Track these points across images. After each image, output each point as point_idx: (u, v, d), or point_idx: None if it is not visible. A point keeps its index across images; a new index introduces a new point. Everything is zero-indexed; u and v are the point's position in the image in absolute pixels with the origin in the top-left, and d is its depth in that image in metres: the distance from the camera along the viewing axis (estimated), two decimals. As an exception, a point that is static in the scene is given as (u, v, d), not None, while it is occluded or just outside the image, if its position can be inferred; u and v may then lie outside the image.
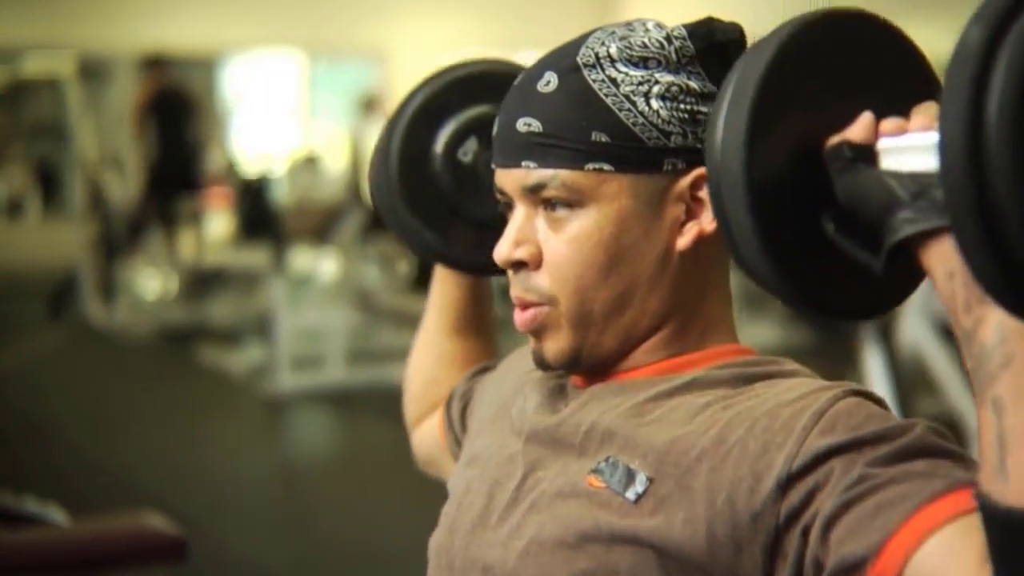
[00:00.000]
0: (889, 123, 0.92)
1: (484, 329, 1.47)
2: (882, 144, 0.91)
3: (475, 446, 1.22)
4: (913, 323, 4.73)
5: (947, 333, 4.63)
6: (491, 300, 1.48)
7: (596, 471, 1.06)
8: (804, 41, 0.94)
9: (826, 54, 0.95)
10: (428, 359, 1.48)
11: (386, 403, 6.50)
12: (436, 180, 1.34)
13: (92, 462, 5.37)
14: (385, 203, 1.36)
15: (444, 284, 1.45)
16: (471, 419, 1.31)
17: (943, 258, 0.85)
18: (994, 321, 0.82)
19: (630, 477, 1.03)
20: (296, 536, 4.47)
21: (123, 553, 2.40)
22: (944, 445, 0.95)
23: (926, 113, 0.90)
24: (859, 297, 0.98)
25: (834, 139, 0.93)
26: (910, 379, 4.49)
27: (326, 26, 11.76)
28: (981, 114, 0.73)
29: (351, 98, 11.29)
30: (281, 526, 4.69)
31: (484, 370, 1.38)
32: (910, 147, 0.88)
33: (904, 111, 0.92)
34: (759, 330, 6.92)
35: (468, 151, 1.33)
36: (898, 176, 0.88)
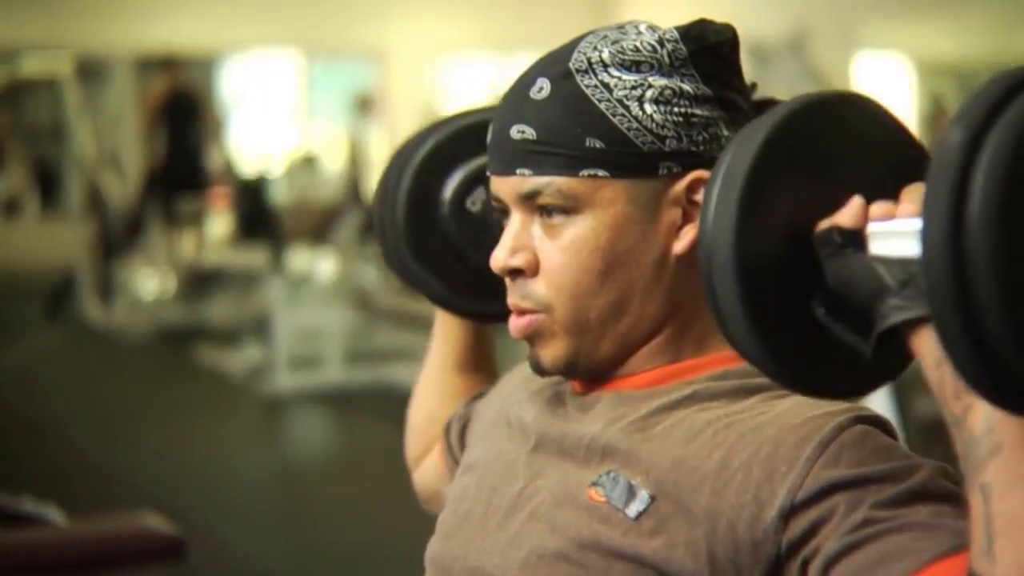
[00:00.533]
0: (878, 208, 0.92)
1: (486, 366, 1.47)
2: (871, 228, 0.92)
3: (471, 454, 1.22)
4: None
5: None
6: (492, 338, 1.48)
7: (597, 484, 1.05)
8: (795, 126, 0.94)
9: (817, 137, 0.96)
10: (429, 398, 1.47)
11: (385, 403, 6.52)
12: (443, 227, 1.34)
13: (90, 462, 5.36)
14: (390, 247, 1.36)
15: (446, 324, 1.44)
16: (469, 435, 1.31)
17: (931, 346, 0.85)
18: (982, 410, 0.83)
19: (631, 493, 1.03)
20: (294, 536, 4.47)
21: (121, 553, 2.39)
22: (949, 490, 0.95)
23: (914, 197, 0.90)
24: (849, 377, 0.98)
25: (824, 223, 0.93)
26: (908, 381, 4.49)
27: (324, 26, 11.76)
28: (961, 218, 0.75)
29: (348, 98, 11.30)
30: (279, 526, 4.68)
31: (482, 395, 1.37)
32: (899, 232, 0.90)
33: (894, 191, 0.92)
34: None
35: (476, 200, 1.32)
36: (887, 262, 0.89)
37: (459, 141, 1.35)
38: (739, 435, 1.02)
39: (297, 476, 5.46)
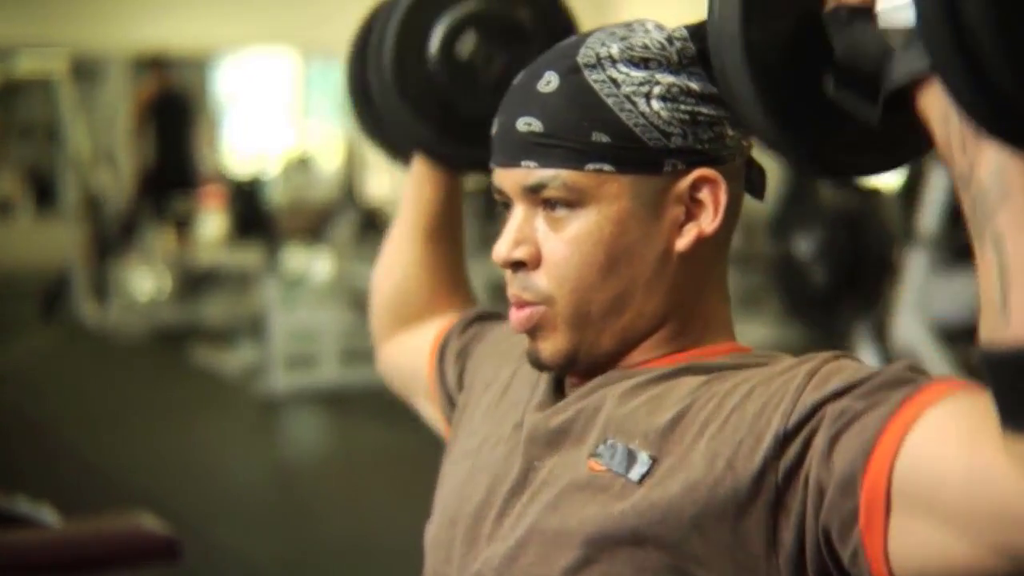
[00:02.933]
0: None
1: (455, 237, 1.47)
2: (880, 5, 0.93)
3: (474, 436, 1.21)
4: (907, 323, 4.73)
5: (942, 334, 4.63)
6: (462, 208, 1.48)
7: (596, 455, 1.06)
8: None
9: None
10: (398, 264, 1.47)
11: (380, 403, 6.50)
12: (430, 75, 1.34)
13: (85, 462, 5.35)
14: (375, 96, 1.36)
15: (421, 184, 1.44)
16: (468, 387, 1.30)
17: (937, 103, 0.86)
18: (990, 158, 0.82)
19: (632, 458, 1.03)
20: (290, 536, 4.46)
21: (115, 554, 2.39)
22: (923, 372, 0.97)
23: None
24: (866, 154, 1.00)
25: (832, 1, 0.95)
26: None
27: (320, 25, 11.74)
28: None
29: (342, 98, 11.28)
30: (274, 526, 4.68)
31: (477, 319, 1.37)
32: (906, 5, 0.90)
33: None
34: (754, 329, 6.92)
35: (465, 46, 1.32)
36: (892, 31, 0.90)
37: None
38: (733, 384, 1.03)
39: (292, 476, 5.46)
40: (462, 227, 1.48)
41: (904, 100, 0.89)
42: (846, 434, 0.93)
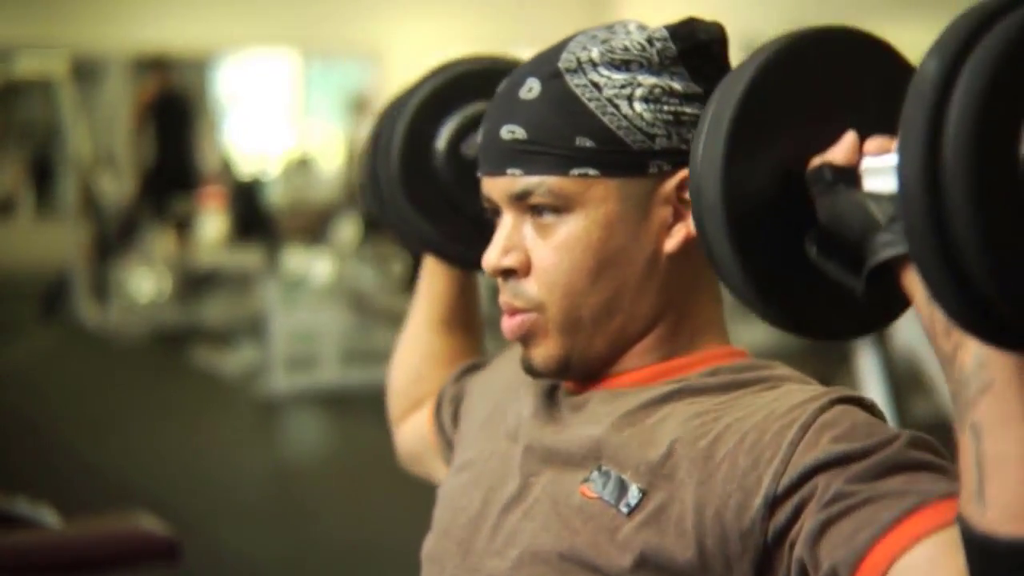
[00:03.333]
0: (873, 143, 0.91)
1: (471, 326, 1.47)
2: (866, 165, 0.91)
3: (468, 451, 1.21)
4: (907, 325, 4.73)
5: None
6: (478, 297, 1.48)
7: (589, 480, 1.05)
8: (785, 61, 0.93)
9: (809, 73, 0.94)
10: (413, 355, 1.47)
11: (380, 404, 6.48)
12: (437, 174, 1.34)
13: (85, 463, 5.35)
14: (383, 192, 1.36)
15: (433, 278, 1.44)
16: (463, 420, 1.31)
17: (921, 293, 0.84)
18: (972, 347, 0.82)
19: (623, 489, 1.03)
20: (290, 537, 4.46)
21: (116, 555, 2.39)
22: (925, 458, 0.95)
23: None
24: (845, 318, 0.98)
25: (816, 161, 0.92)
26: (904, 381, 4.49)
27: (320, 25, 11.75)
28: (937, 150, 0.73)
29: (344, 98, 11.28)
30: (274, 527, 4.68)
31: (472, 369, 1.37)
32: (892, 168, 0.87)
33: (891, 127, 0.90)
34: (751, 332, 6.90)
35: (471, 146, 1.32)
36: (877, 198, 0.88)
37: (456, 87, 1.35)
38: (726, 425, 1.02)
39: (292, 477, 5.46)
40: (478, 315, 1.48)
41: (888, 272, 0.87)
42: (837, 526, 0.92)
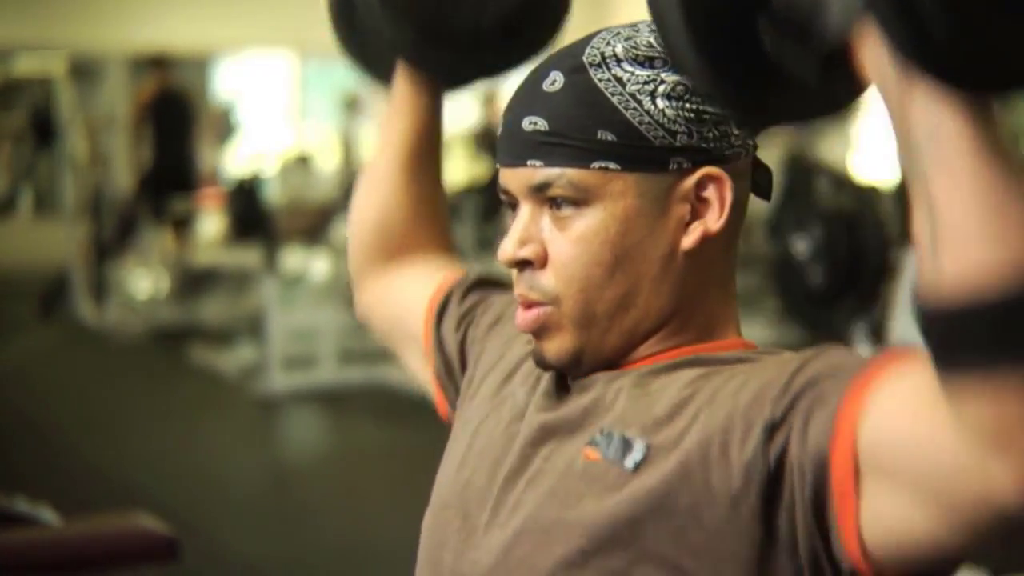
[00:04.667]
0: None
1: (436, 169, 1.44)
2: None
3: (474, 416, 1.20)
4: (905, 323, 4.73)
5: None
6: (443, 145, 1.44)
7: (592, 443, 1.06)
8: None
9: None
10: (378, 195, 1.43)
11: (378, 403, 6.51)
12: None
13: (84, 462, 5.36)
14: (356, 4, 1.32)
15: (402, 108, 1.40)
16: (475, 357, 1.29)
17: (874, 52, 0.85)
18: (921, 103, 0.82)
19: (627, 446, 1.04)
20: (288, 536, 4.46)
21: (114, 553, 2.39)
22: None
23: None
24: (806, 102, 0.98)
25: None
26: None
27: (317, 26, 11.69)
28: None
29: (337, 98, 11.26)
30: (273, 526, 4.68)
31: (476, 286, 1.35)
32: None
33: None
34: (751, 329, 6.90)
35: None
36: None
37: None
38: (730, 375, 1.04)
39: (291, 476, 5.46)
40: (440, 167, 1.44)
41: (838, 50, 0.87)
42: (817, 412, 0.94)
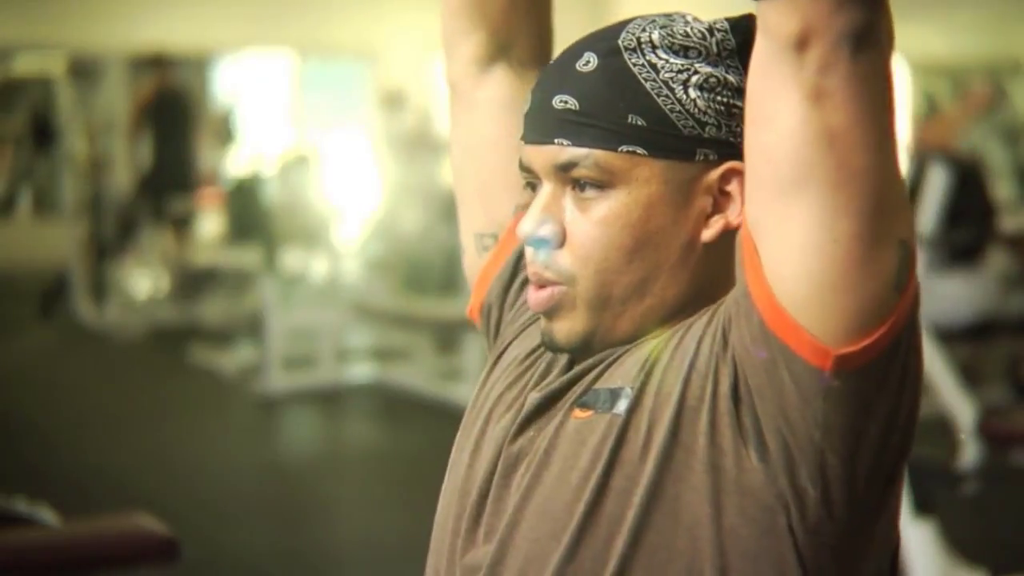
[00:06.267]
0: None
1: None
2: None
3: (488, 396, 1.20)
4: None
5: (938, 335, 4.64)
6: None
7: (580, 404, 1.08)
8: None
9: None
10: None
11: (378, 403, 6.50)
12: None
13: (83, 462, 5.35)
14: None
15: None
16: (503, 330, 1.29)
17: None
18: None
19: (615, 396, 1.06)
20: (288, 535, 4.46)
21: (114, 553, 2.39)
22: None
23: None
24: None
25: None
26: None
27: (317, 26, 11.75)
28: None
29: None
30: (272, 526, 4.68)
31: (514, 279, 1.30)
32: None
33: None
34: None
35: None
36: None
37: None
38: (713, 312, 1.07)
39: (290, 476, 5.46)
40: None
41: None
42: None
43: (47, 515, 2.51)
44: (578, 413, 1.07)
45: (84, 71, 11.04)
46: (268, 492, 5.18)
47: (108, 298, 8.62)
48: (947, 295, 5.22)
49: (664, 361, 1.05)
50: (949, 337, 4.93)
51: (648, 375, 1.05)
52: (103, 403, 6.48)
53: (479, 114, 1.31)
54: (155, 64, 9.07)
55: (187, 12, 11.26)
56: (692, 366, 1.03)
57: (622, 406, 1.04)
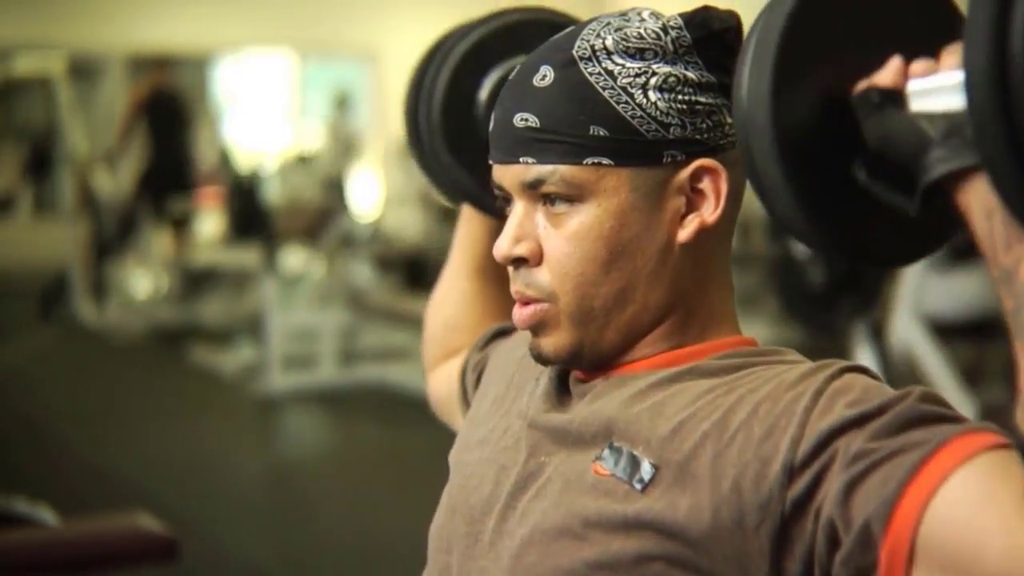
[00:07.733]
0: (919, 65, 0.91)
1: (505, 274, 1.46)
2: (912, 87, 0.90)
3: (480, 427, 1.20)
4: (905, 323, 4.74)
5: (939, 333, 4.64)
6: None
7: (601, 459, 1.05)
8: None
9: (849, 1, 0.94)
10: (449, 300, 1.48)
11: (378, 403, 6.51)
12: (478, 124, 1.33)
13: (83, 462, 5.35)
14: (423, 140, 1.35)
15: (470, 225, 1.45)
16: (484, 383, 1.31)
17: (979, 197, 0.84)
18: None
19: (635, 465, 1.03)
20: (288, 536, 4.46)
21: (114, 554, 2.39)
22: (939, 410, 0.95)
23: (955, 53, 0.88)
24: (897, 244, 0.98)
25: (862, 84, 0.93)
26: (902, 379, 4.49)
27: (317, 25, 11.74)
28: (1005, 46, 0.72)
29: (332, 96, 11.20)
30: (273, 526, 4.68)
31: (498, 335, 1.37)
32: (940, 87, 0.87)
33: (934, 54, 0.91)
34: (752, 329, 6.87)
35: None
36: (929, 117, 0.87)
37: (503, 38, 1.34)
38: (738, 397, 1.02)
39: (290, 476, 5.46)
40: None
41: (940, 192, 0.86)
42: (866, 482, 0.91)
43: (47, 515, 2.51)
44: (598, 469, 1.04)
45: (84, 71, 11.04)
46: (268, 492, 5.18)
47: (108, 298, 8.62)
48: (948, 292, 5.22)
49: (691, 442, 1.01)
50: (949, 335, 4.93)
51: (668, 450, 1.02)
52: (103, 403, 6.48)
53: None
54: (152, 64, 9.06)
55: (187, 12, 11.26)
56: (736, 483, 0.98)
57: (639, 481, 1.01)
